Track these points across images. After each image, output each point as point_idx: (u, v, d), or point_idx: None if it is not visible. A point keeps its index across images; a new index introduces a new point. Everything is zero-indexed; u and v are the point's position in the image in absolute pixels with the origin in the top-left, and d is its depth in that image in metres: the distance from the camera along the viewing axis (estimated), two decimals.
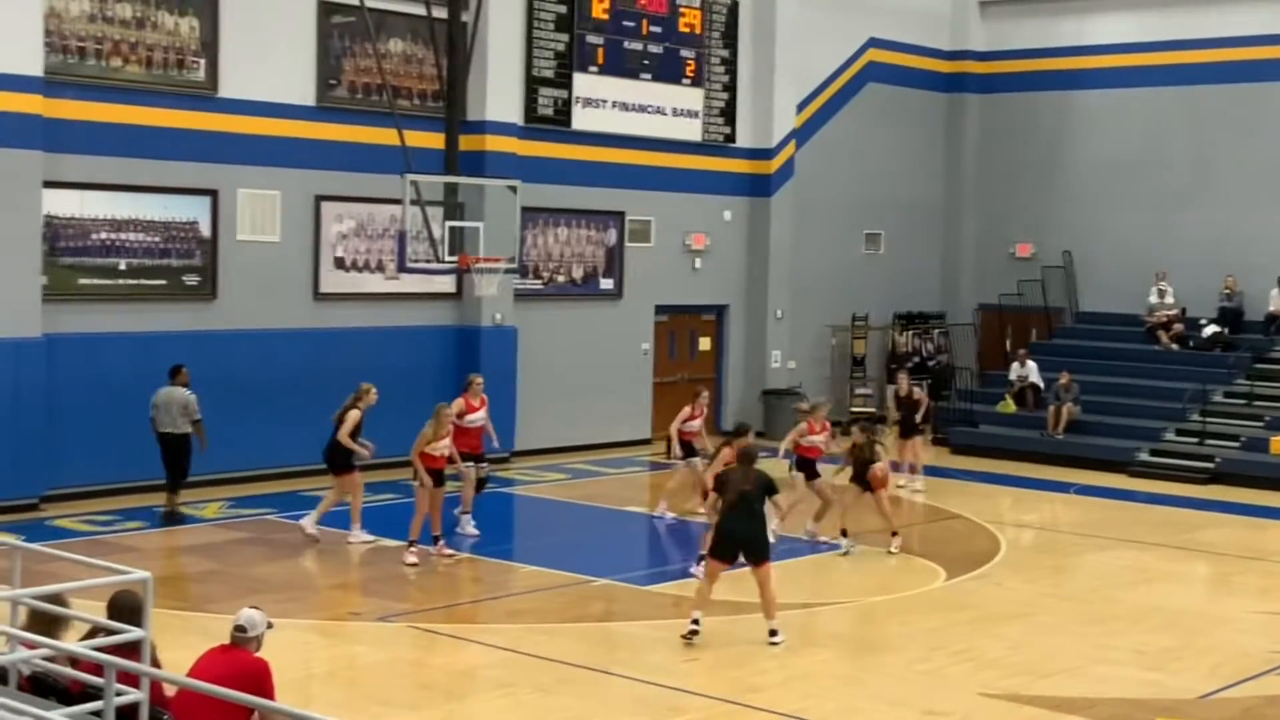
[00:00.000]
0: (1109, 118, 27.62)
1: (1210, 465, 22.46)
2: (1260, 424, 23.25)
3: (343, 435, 15.83)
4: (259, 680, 7.66)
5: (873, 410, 27.39)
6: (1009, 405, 25.37)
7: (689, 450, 18.30)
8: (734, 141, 25.56)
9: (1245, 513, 19.96)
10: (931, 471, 23.08)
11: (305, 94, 20.09)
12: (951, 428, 25.42)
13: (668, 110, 24.49)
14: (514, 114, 22.12)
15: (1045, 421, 24.28)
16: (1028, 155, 28.58)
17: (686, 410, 18.35)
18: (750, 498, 12.62)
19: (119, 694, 6.47)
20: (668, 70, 24.43)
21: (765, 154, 25.79)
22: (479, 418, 16.85)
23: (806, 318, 26.56)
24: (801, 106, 26.47)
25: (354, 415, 15.95)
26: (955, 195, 29.28)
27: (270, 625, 8.16)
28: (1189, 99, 26.66)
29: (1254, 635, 13.42)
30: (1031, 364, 25.55)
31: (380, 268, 20.94)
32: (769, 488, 12.83)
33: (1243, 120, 26.12)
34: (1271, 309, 25.25)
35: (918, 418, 21.13)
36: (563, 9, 22.88)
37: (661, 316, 24.86)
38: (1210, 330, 25.50)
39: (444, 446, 15.60)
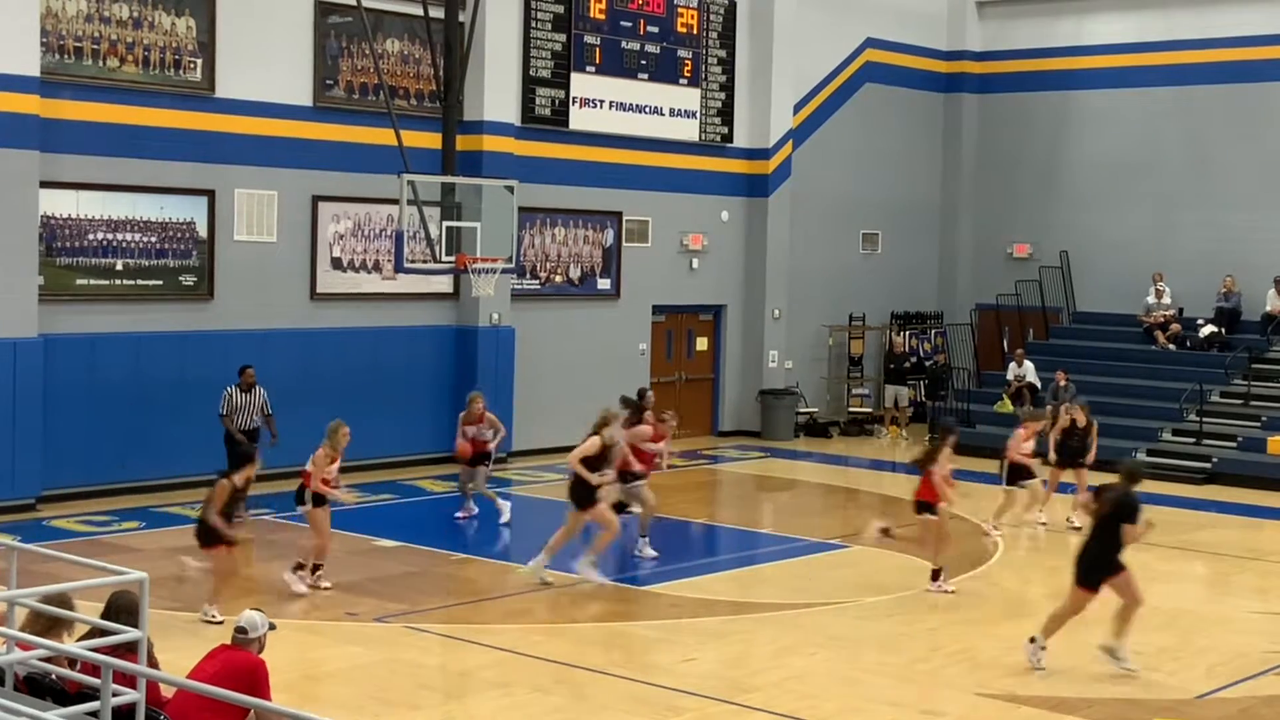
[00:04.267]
0: (1106, 118, 27.63)
1: (1207, 465, 22.48)
2: (1257, 424, 23.26)
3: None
4: (253, 678, 7.65)
5: (870, 410, 27.44)
6: (1006, 405, 25.37)
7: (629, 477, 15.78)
8: (731, 142, 25.56)
9: (1242, 513, 19.98)
10: None
11: (302, 94, 20.08)
12: None
13: (665, 110, 24.49)
14: (511, 114, 22.12)
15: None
16: (1025, 155, 28.59)
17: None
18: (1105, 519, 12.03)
19: (116, 694, 6.47)
20: (665, 70, 24.43)
21: (762, 154, 25.79)
22: (660, 446, 16.35)
23: (804, 318, 26.56)
24: (799, 107, 26.47)
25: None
26: (952, 195, 29.29)
27: (273, 626, 8.16)
28: (1186, 99, 26.68)
29: (1251, 635, 13.42)
30: (1029, 364, 25.56)
31: (377, 268, 20.94)
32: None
33: (1240, 120, 26.13)
34: (1269, 309, 25.27)
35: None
36: (560, 9, 22.88)
37: (659, 316, 24.87)
38: (1207, 330, 25.52)
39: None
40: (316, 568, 14.22)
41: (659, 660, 12.15)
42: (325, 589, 14.03)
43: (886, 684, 11.71)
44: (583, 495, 14.56)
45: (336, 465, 14.34)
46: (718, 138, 25.38)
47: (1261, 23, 25.86)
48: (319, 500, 14.19)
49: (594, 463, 14.51)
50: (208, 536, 12.74)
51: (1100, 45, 27.73)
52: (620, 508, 15.58)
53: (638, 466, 15.82)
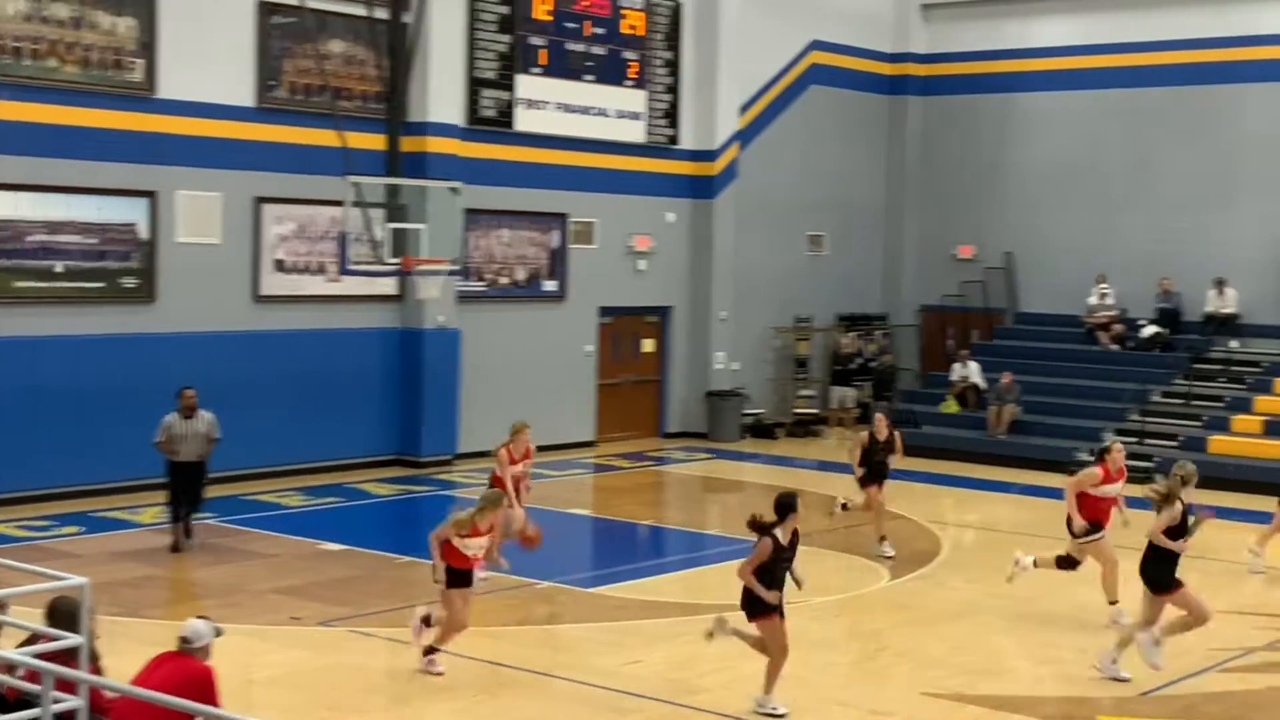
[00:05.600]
0: (1051, 120, 27.84)
1: (1149, 464, 22.64)
2: (1198, 423, 23.50)
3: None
4: (203, 687, 7.57)
5: (817, 410, 27.51)
6: (951, 405, 25.53)
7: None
8: (677, 143, 25.57)
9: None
10: None
11: (245, 95, 19.91)
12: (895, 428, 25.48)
13: (611, 112, 24.46)
14: (456, 115, 22.02)
15: (987, 422, 24.44)
16: (970, 157, 28.76)
17: (504, 453, 14.72)
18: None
19: (56, 701, 6.37)
20: (610, 72, 24.41)
21: (708, 156, 25.81)
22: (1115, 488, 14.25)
23: (750, 319, 26.60)
24: (745, 108, 26.51)
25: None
26: (898, 197, 29.42)
27: (219, 633, 8.07)
28: (1130, 102, 26.90)
29: (1194, 633, 13.51)
30: (973, 364, 25.72)
31: (322, 270, 20.79)
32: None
33: (1183, 123, 26.37)
34: (1209, 309, 25.53)
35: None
36: (505, 10, 22.81)
37: (605, 318, 24.83)
38: (1149, 331, 25.75)
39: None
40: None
41: (605, 663, 12.11)
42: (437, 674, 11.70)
43: (834, 684, 11.73)
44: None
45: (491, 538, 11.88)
46: (664, 139, 25.38)
47: (1206, 26, 26.10)
48: (458, 579, 11.61)
49: None
50: None
51: (1044, 48, 27.93)
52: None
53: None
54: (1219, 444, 22.77)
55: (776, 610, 10.90)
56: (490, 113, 22.71)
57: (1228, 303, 25.39)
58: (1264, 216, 25.40)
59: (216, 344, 19.36)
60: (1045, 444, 23.70)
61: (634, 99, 24.85)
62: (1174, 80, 26.37)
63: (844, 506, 17.26)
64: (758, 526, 10.98)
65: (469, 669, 11.71)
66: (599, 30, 24.20)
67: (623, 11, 24.54)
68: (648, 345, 25.75)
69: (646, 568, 16.61)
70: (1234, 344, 25.16)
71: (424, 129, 21.23)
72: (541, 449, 22.91)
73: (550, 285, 23.88)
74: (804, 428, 26.98)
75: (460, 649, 12.10)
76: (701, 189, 25.82)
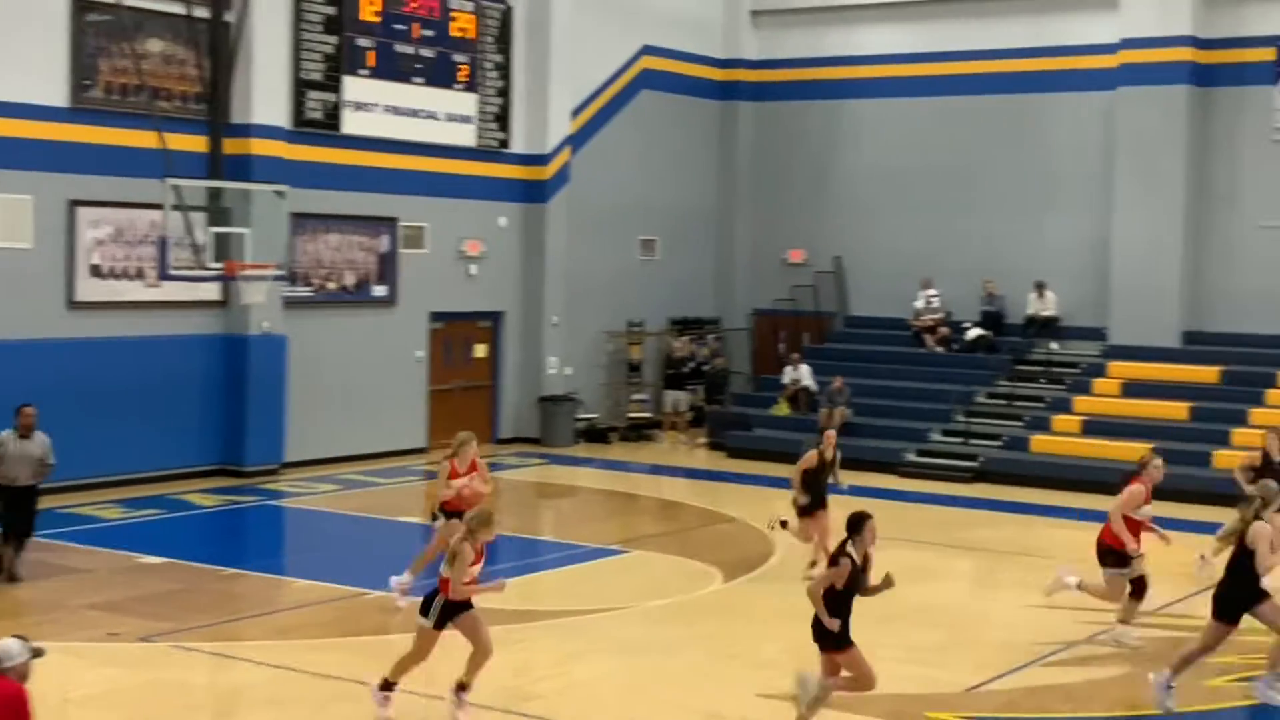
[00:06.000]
0: (878, 126, 28.26)
1: (974, 464, 23.13)
2: (1021, 423, 24.04)
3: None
4: (14, 708, 7.24)
5: (650, 415, 27.52)
6: (783, 408, 25.75)
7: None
8: (508, 147, 25.40)
9: (1008, 510, 20.57)
10: (707, 475, 23.32)
11: (57, 95, 19.24)
12: (726, 431, 25.67)
13: (441, 115, 24.20)
14: (281, 117, 21.56)
15: (818, 424, 24.67)
16: (800, 162, 29.06)
17: (447, 466, 14.09)
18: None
19: None
20: (440, 74, 24.14)
21: (540, 160, 25.68)
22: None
23: (583, 324, 26.53)
24: (576, 113, 26.44)
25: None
26: (729, 202, 29.60)
27: (39, 653, 7.67)
28: (954, 109, 27.43)
29: (1017, 629, 13.78)
30: (805, 368, 25.97)
31: (141, 275, 20.16)
32: None
33: (1004, 130, 26.96)
34: (1030, 312, 26.15)
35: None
36: (331, 10, 22.40)
37: (436, 323, 24.54)
38: (974, 334, 26.28)
39: None
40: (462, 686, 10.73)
41: (438, 671, 11.89)
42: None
43: (669, 688, 11.67)
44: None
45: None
46: (495, 143, 25.18)
47: (1024, 36, 26.73)
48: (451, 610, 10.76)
49: None
50: None
51: (870, 56, 28.36)
52: None
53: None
54: (1040, 443, 23.30)
55: (850, 640, 10.17)
56: (316, 115, 22.28)
57: (1048, 305, 26.03)
58: (1081, 221, 26.11)
59: (28, 352, 18.64)
60: (875, 445, 24.00)
61: (464, 102, 24.61)
62: (995, 89, 26.97)
63: (782, 524, 16.15)
64: (837, 553, 10.24)
65: (297, 682, 11.41)
66: (428, 32, 23.92)
67: (453, 14, 24.28)
68: (480, 350, 25.51)
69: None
70: (1054, 346, 25.81)
71: (247, 131, 20.73)
72: (372, 456, 22.74)
73: (380, 290, 23.51)
74: (637, 432, 26.98)
75: (289, 661, 11.79)
76: (533, 193, 25.67)
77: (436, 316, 24.47)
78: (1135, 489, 13.05)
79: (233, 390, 20.95)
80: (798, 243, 28.92)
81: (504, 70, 25.27)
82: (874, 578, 10.45)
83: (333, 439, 22.32)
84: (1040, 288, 26.00)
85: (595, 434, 26.29)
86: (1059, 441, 23.19)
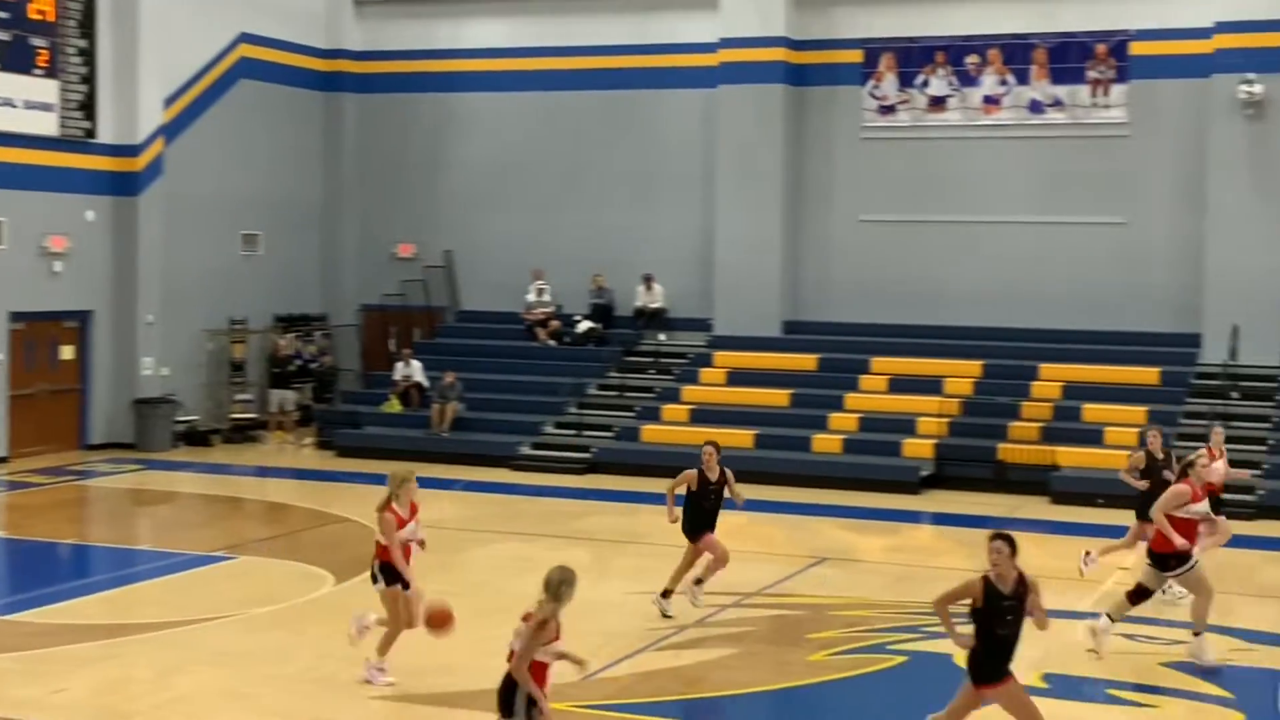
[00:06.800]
0: (487, 120, 28.11)
1: (587, 455, 23.28)
2: (632, 414, 24.36)
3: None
4: None
5: (255, 415, 26.54)
6: (394, 405, 25.28)
7: None
8: (95, 137, 23.95)
9: (621, 499, 20.78)
10: (316, 475, 22.68)
11: None
12: (335, 430, 25.00)
13: (18, 102, 22.66)
14: None
15: (430, 420, 24.36)
16: (408, 156, 28.61)
17: (389, 516, 11.64)
18: None
19: None
20: (17, 60, 22.56)
21: (130, 150, 24.33)
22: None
23: (181, 323, 25.29)
24: (170, 101, 25.19)
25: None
26: (335, 195, 28.86)
27: None
28: (561, 104, 27.56)
29: (630, 616, 13.83)
30: (416, 363, 25.58)
31: None
32: None
33: (611, 125, 27.26)
34: (638, 304, 26.55)
35: None
36: None
37: (17, 324, 22.92)
38: (584, 326, 26.48)
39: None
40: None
41: (25, 694, 11.01)
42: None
43: (277, 696, 11.16)
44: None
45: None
46: (80, 133, 23.70)
47: (628, 33, 27.09)
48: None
49: None
50: None
51: (478, 49, 28.18)
52: None
53: None
54: (651, 433, 23.67)
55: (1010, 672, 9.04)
56: None
57: (656, 298, 26.49)
58: (687, 215, 26.67)
59: None
60: (488, 440, 23.88)
61: (45, 89, 23.07)
62: (601, 84, 27.25)
63: (698, 582, 14.05)
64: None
65: None
66: (3, 15, 22.31)
67: None
68: (66, 352, 23.95)
69: (69, 589, 15.30)
70: (662, 337, 26.30)
71: None
72: None
73: None
74: (242, 433, 25.92)
75: None
76: (124, 185, 24.30)
77: (17, 317, 22.84)
78: (1180, 489, 12.47)
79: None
80: (407, 237, 28.47)
81: (89, 56, 23.81)
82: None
83: None
84: (648, 280, 26.44)
85: (196, 437, 25.11)
86: (669, 431, 23.61)
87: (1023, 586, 8.93)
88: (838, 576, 15.95)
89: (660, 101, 26.95)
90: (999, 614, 8.84)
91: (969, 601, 8.91)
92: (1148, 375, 22.90)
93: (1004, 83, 24.84)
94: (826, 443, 22.67)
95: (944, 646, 12.65)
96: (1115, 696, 11.41)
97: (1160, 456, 15.26)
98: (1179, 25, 23.69)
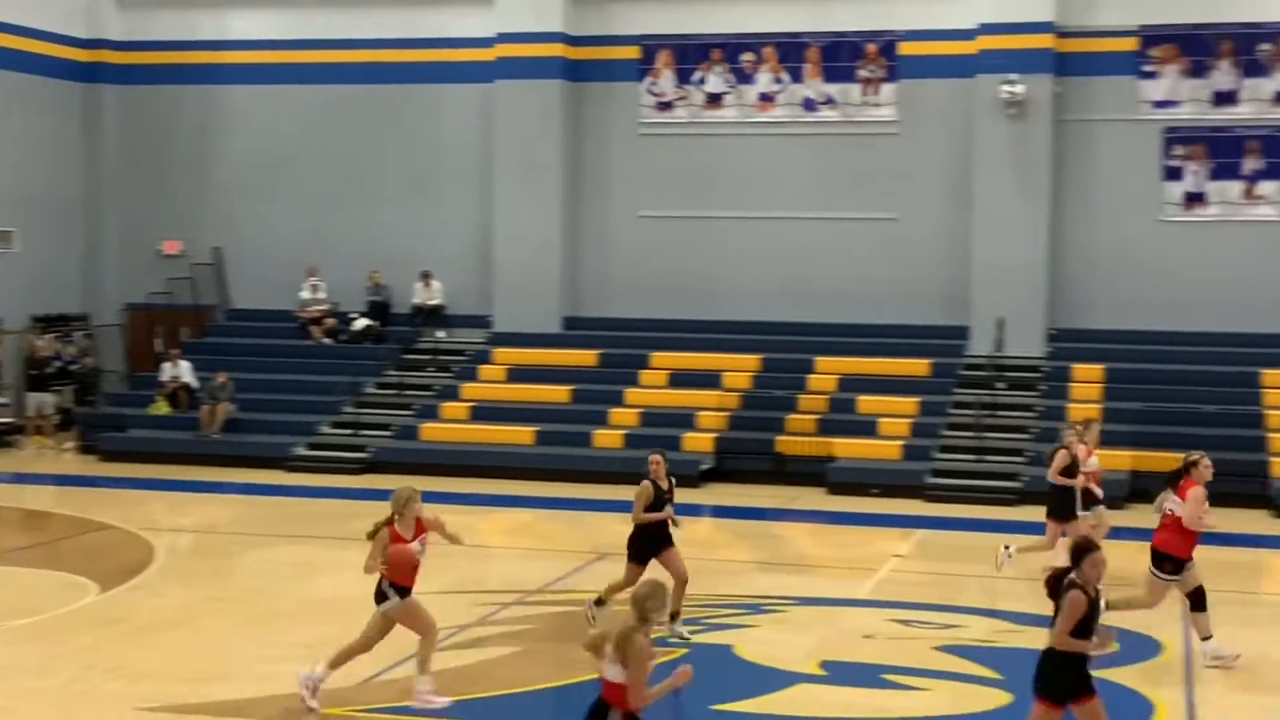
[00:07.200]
0: (256, 114, 27.35)
1: (365, 455, 22.85)
2: (410, 412, 24.00)
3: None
4: None
5: (12, 420, 25.35)
6: (162, 407, 24.43)
7: None
8: None
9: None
10: (78, 481, 21.83)
11: None
12: (98, 434, 24.04)
13: None
14: None
15: (199, 421, 23.60)
16: (174, 150, 27.66)
17: (386, 534, 10.99)
18: None
19: None
20: None
21: None
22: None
23: None
24: None
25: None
26: (96, 190, 27.73)
27: None
28: (336, 98, 26.94)
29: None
30: (184, 364, 24.77)
31: None
32: None
33: (387, 120, 26.77)
34: (416, 301, 26.17)
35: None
36: None
37: None
38: (361, 324, 25.98)
39: None
40: None
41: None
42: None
43: (40, 710, 10.65)
44: None
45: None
46: None
47: (400, 26, 26.64)
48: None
49: None
50: None
51: (243, 41, 27.39)
52: None
53: None
54: (430, 431, 23.36)
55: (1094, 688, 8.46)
56: None
57: (434, 294, 26.15)
58: (465, 211, 26.37)
59: None
60: (261, 441, 23.27)
61: None
62: (375, 79, 26.74)
63: (597, 603, 13.01)
64: (1055, 582, 8.46)
65: None
66: None
67: None
68: None
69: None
70: (441, 334, 25.98)
71: None
72: None
73: None
74: None
75: None
76: None
77: None
78: (1199, 492, 12.00)
79: None
80: (173, 233, 27.51)
81: None
82: None
83: None
84: (426, 277, 26.07)
85: None
86: (448, 429, 23.33)
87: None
88: (620, 572, 15.88)
89: (437, 97, 26.58)
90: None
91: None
92: (919, 367, 23.49)
93: (779, 80, 25.19)
94: (607, 438, 22.67)
95: (724, 638, 12.78)
96: (890, 681, 11.59)
97: (1080, 454, 15.17)
98: (945, 26, 24.33)
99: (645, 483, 12.65)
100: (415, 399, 24.39)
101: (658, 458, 12.78)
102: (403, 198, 26.67)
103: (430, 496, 20.47)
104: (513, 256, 25.54)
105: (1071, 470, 14.78)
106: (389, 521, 10.81)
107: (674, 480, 12.94)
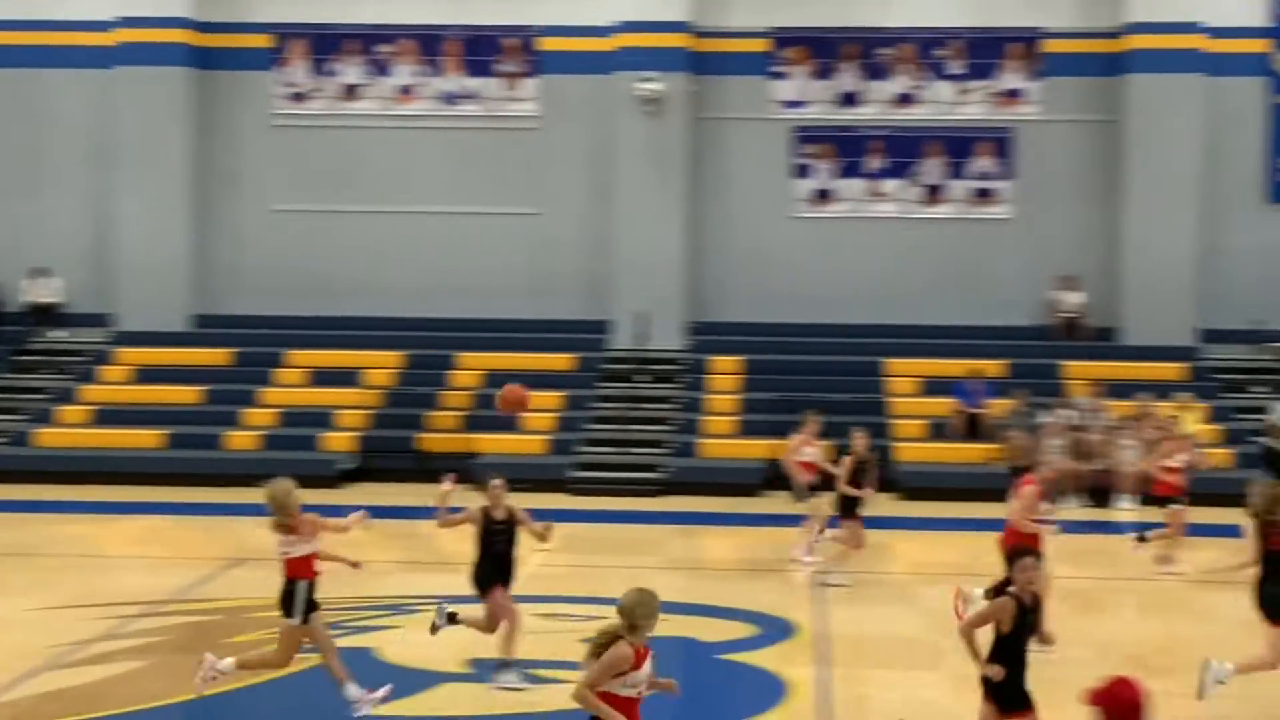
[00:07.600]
0: None
1: None
2: (24, 417, 22.49)
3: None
4: None
5: None
6: None
7: None
8: None
9: (11, 509, 19.05)
10: None
11: None
12: None
13: None
14: None
15: None
16: None
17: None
18: None
19: None
20: None
21: None
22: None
23: None
24: None
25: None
26: None
27: None
28: None
29: (31, 632, 12.62)
30: None
31: None
32: None
33: None
34: (29, 299, 24.55)
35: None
36: None
37: None
38: None
39: None
40: None
41: None
42: None
43: None
44: None
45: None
46: None
47: (13, 8, 24.80)
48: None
49: None
50: None
51: None
52: None
53: None
54: (46, 437, 21.97)
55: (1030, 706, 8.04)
56: None
57: (49, 292, 24.57)
58: (83, 203, 24.82)
59: None
60: None
61: None
62: None
63: (451, 617, 11.69)
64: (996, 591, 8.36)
65: None
66: None
67: None
68: None
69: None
70: (63, 333, 24.44)
71: None
72: None
73: None
74: None
75: None
76: None
77: None
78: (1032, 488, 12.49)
79: None
80: None
81: None
82: None
83: None
84: (39, 273, 24.47)
85: None
86: (66, 434, 21.98)
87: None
88: (256, 577, 15.18)
89: (49, 82, 24.90)
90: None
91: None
92: (562, 361, 23.46)
93: (418, 73, 24.76)
94: (241, 439, 21.77)
95: (365, 641, 12.34)
96: (536, 676, 11.40)
97: (866, 457, 15.27)
98: (583, 23, 24.41)
99: (474, 507, 11.47)
100: (29, 403, 22.86)
101: (497, 484, 11.54)
102: (11, 190, 24.92)
103: (46, 506, 19.32)
104: (136, 252, 24.20)
105: (863, 473, 15.26)
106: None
107: (519, 511, 11.57)
